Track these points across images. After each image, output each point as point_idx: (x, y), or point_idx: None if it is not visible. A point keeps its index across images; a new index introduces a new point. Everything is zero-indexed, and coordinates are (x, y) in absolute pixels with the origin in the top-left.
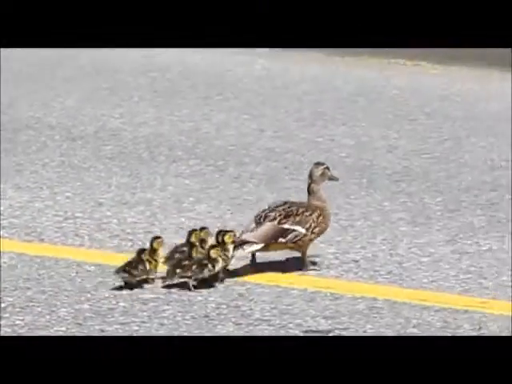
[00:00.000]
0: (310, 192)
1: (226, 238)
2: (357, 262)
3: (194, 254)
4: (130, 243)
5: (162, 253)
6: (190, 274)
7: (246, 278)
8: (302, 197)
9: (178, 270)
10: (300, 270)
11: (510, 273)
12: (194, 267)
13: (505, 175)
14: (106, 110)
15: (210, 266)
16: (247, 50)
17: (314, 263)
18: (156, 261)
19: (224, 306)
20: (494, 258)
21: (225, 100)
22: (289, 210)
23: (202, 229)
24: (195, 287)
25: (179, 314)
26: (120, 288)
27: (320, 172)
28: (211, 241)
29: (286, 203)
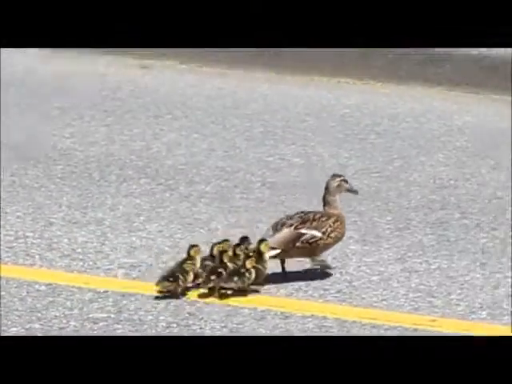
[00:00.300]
0: (325, 203)
1: (262, 247)
2: (306, 280)
3: (226, 263)
4: (80, 263)
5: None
6: (224, 282)
7: (197, 297)
8: (252, 215)
9: (212, 277)
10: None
11: (459, 291)
12: (229, 276)
13: (454, 194)
14: (56, 129)
15: (247, 274)
16: (197, 69)
17: (324, 266)
18: (194, 269)
19: (174, 325)
20: (443, 276)
21: (175, 119)
22: (305, 217)
23: (224, 241)
24: (227, 296)
25: (130, 332)
26: (162, 298)
27: (336, 184)
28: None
29: (302, 212)
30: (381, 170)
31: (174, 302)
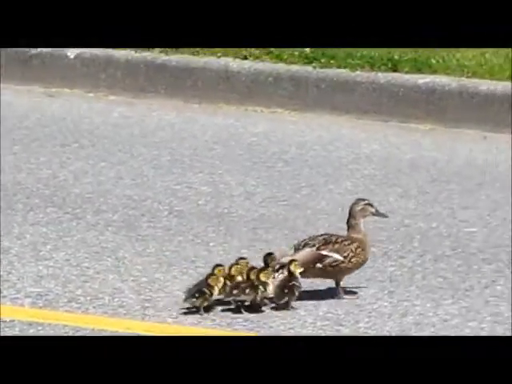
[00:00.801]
0: (348, 227)
1: (292, 267)
2: (214, 309)
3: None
4: None
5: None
6: (243, 296)
7: (106, 327)
8: (160, 244)
9: (234, 291)
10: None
11: (366, 319)
12: (247, 290)
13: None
14: None
15: (261, 288)
16: (103, 97)
17: (347, 292)
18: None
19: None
20: (351, 304)
21: (82, 148)
22: (328, 239)
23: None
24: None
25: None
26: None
27: (360, 207)
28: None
29: (326, 234)
30: (288, 198)
31: (87, 331)
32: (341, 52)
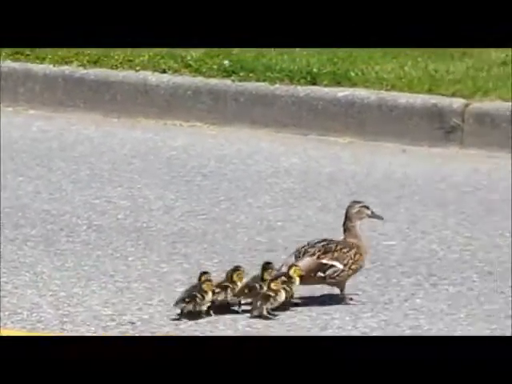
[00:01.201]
0: (345, 230)
1: (292, 272)
2: (133, 323)
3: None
4: None
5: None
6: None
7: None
8: (78, 258)
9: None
10: None
11: (286, 334)
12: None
13: (281, 235)
14: None
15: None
16: (22, 111)
17: (351, 299)
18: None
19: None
20: (271, 319)
21: (0, 162)
22: (328, 247)
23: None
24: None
25: None
26: None
27: (356, 210)
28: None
29: (325, 240)
30: (207, 212)
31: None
32: (260, 65)
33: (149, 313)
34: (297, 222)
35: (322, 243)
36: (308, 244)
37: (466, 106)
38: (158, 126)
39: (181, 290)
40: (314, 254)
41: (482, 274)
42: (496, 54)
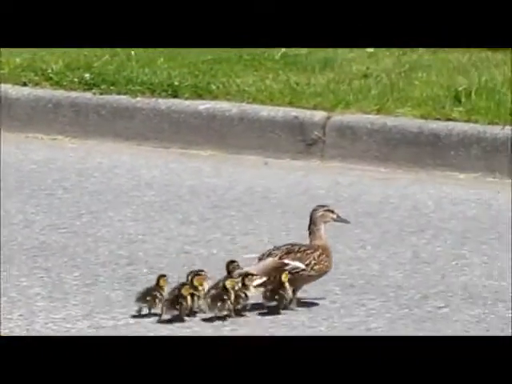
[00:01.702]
0: (310, 233)
1: (283, 277)
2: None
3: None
4: None
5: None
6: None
7: None
8: None
9: (218, 304)
10: None
11: None
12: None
13: (142, 248)
14: None
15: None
16: None
17: (300, 302)
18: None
19: None
20: (131, 331)
21: None
22: (291, 248)
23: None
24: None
25: None
26: None
27: (320, 214)
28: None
29: (290, 244)
30: (68, 226)
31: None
32: (121, 78)
33: (9, 327)
34: (158, 235)
35: (287, 246)
36: (274, 247)
37: (328, 118)
38: (19, 139)
39: (41, 304)
40: (276, 256)
41: (343, 287)
42: (357, 67)
